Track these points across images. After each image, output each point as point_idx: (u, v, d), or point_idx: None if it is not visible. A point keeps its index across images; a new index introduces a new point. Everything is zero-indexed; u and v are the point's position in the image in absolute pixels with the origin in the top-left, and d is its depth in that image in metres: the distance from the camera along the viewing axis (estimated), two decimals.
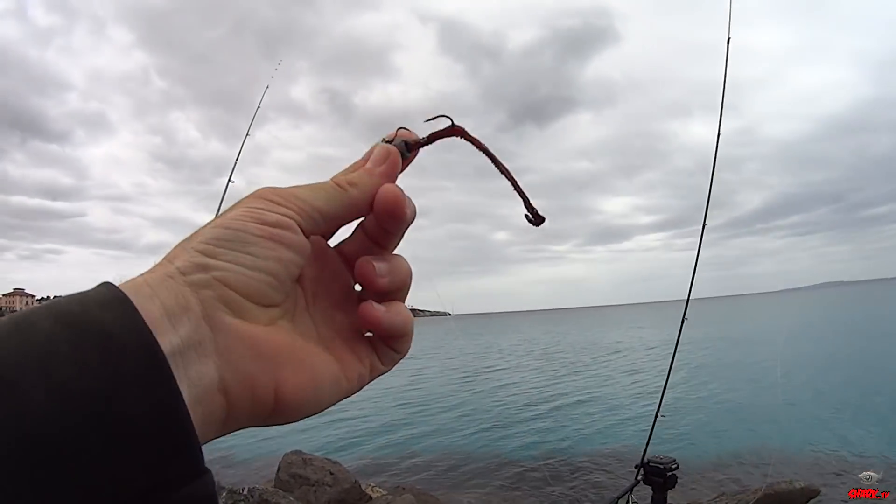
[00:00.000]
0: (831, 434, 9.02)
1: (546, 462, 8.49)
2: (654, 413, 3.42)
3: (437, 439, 10.58)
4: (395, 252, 0.45)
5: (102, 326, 0.28)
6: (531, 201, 0.44)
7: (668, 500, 3.16)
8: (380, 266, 0.42)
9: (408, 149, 0.44)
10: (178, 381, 0.29)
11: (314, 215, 0.39)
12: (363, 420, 12.71)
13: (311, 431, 11.59)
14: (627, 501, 3.23)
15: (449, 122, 0.44)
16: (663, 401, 3.43)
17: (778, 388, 13.96)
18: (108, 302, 0.30)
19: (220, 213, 0.39)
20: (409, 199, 0.43)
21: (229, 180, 4.65)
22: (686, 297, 3.50)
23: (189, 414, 0.29)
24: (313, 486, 6.10)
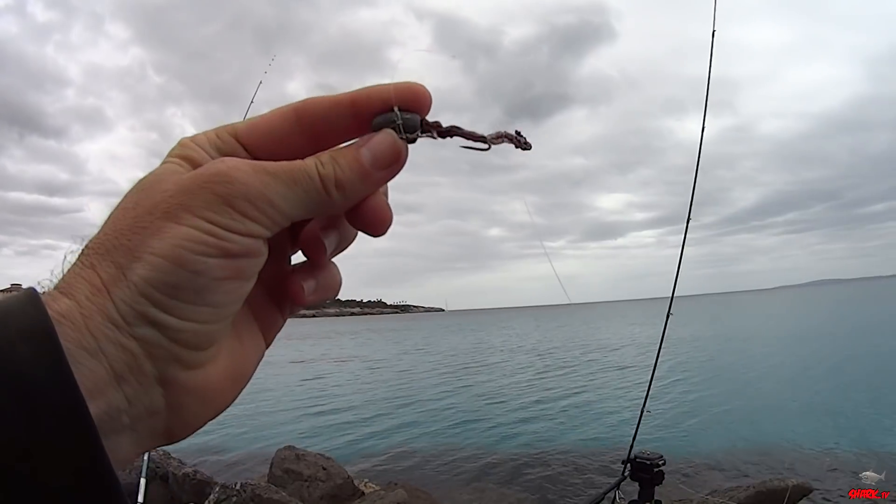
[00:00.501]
0: (825, 431, 9.08)
1: (534, 457, 8.56)
2: (641, 408, 3.47)
3: (430, 435, 10.63)
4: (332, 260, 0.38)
5: (19, 369, 0.24)
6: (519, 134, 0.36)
7: (656, 496, 3.20)
8: (309, 285, 0.37)
9: (421, 130, 0.34)
10: (114, 441, 0.27)
11: (284, 223, 0.31)
12: (356, 415, 12.74)
13: (304, 427, 11.63)
14: (614, 497, 3.27)
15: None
16: (649, 396, 3.48)
17: (769, 384, 14.13)
18: (28, 334, 0.25)
19: (184, 191, 0.29)
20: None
21: None
22: (671, 292, 3.54)
23: (119, 484, 0.25)
24: (306, 481, 6.13)
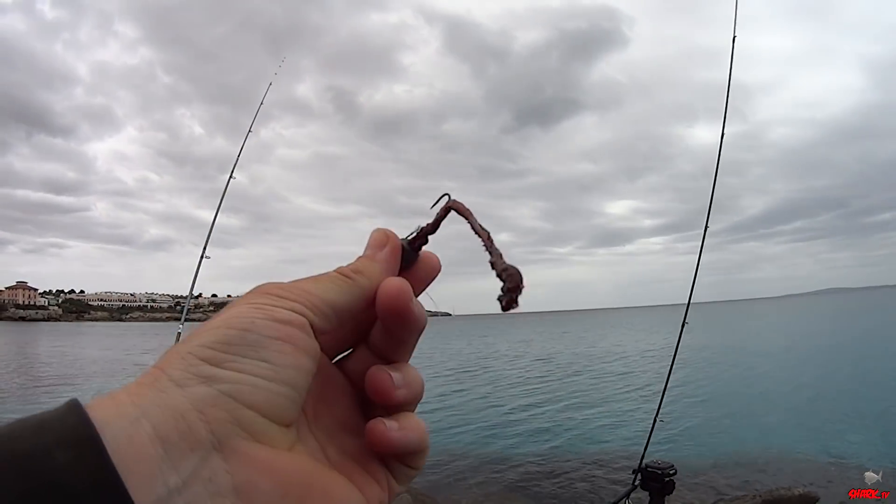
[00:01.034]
0: (831, 441, 8.98)
1: (543, 464, 8.48)
2: (653, 417, 3.41)
3: (436, 440, 10.57)
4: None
5: (57, 478, 0.22)
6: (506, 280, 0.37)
7: None
8: (397, 376, 0.37)
9: (412, 246, 0.39)
10: None
11: (326, 310, 0.33)
12: None
13: None
14: None
15: (447, 198, 0.40)
16: (662, 405, 3.42)
17: (778, 394, 13.96)
18: (69, 440, 0.23)
19: (226, 308, 0.32)
20: (418, 301, 0.37)
21: (231, 176, 4.65)
22: (686, 302, 3.49)
23: None
24: None
